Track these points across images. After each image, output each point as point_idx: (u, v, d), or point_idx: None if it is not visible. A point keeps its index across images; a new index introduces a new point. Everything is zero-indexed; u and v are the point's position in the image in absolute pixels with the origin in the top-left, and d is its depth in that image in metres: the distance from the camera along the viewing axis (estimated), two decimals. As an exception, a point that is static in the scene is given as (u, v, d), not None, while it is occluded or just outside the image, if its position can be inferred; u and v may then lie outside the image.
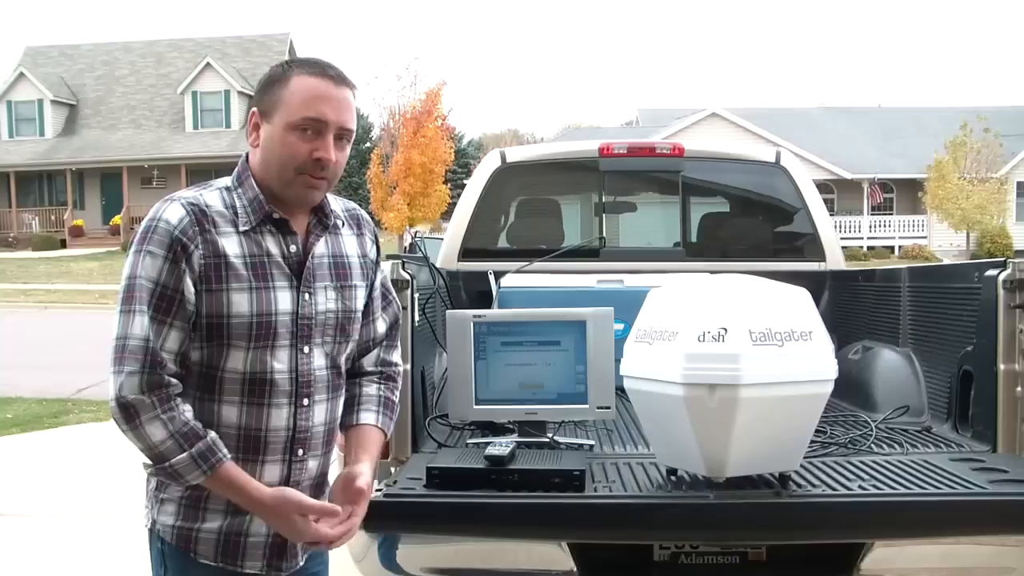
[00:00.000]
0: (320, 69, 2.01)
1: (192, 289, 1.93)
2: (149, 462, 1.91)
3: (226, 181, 2.07)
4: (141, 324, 1.89)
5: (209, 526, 2.01)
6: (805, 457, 2.74)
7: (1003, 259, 3.05)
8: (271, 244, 2.02)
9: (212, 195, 2.02)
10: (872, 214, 38.50)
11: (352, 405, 2.24)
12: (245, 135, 2.11)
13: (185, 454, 1.88)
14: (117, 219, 35.95)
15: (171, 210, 1.95)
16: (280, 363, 2.01)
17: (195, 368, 1.97)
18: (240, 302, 1.96)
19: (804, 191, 4.89)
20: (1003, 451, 2.98)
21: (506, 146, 6.47)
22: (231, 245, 1.98)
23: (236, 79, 38.39)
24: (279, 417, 2.02)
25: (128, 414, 1.87)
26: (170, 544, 2.02)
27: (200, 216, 1.96)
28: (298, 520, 1.95)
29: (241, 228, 2.00)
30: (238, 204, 2.02)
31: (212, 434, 1.93)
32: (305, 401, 2.06)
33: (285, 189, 2.01)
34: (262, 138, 2.02)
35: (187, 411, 1.92)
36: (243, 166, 2.06)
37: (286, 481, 2.04)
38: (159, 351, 1.90)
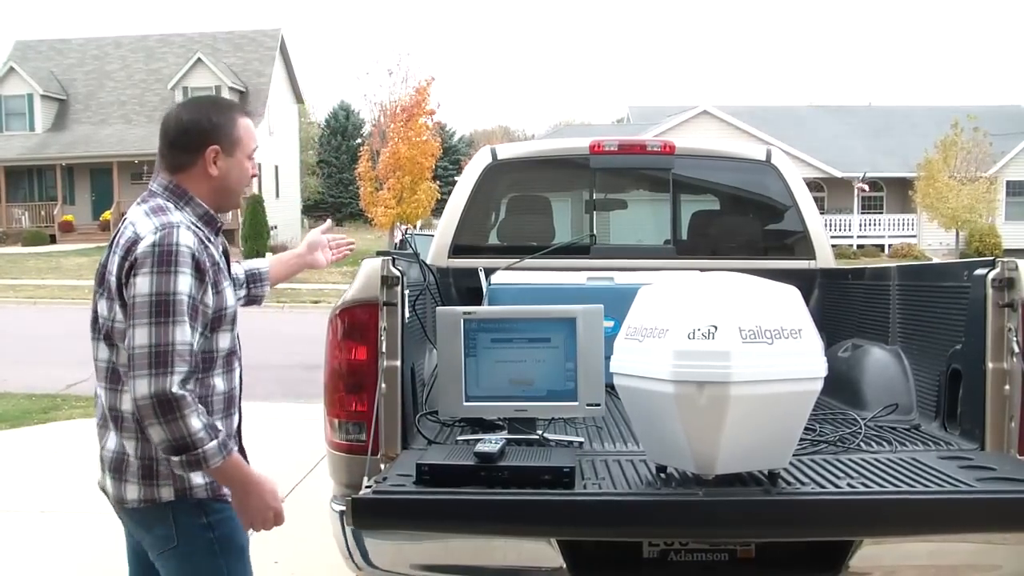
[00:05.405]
0: (243, 110, 2.63)
1: (212, 295, 2.38)
2: (177, 449, 2.23)
3: (167, 204, 2.43)
4: (183, 332, 2.27)
5: None
6: (794, 455, 2.74)
7: (992, 258, 3.07)
8: (218, 248, 2.53)
9: (180, 215, 2.41)
10: (862, 213, 38.63)
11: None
12: (188, 166, 2.49)
13: (214, 442, 2.26)
14: (107, 214, 35.80)
15: (184, 235, 2.33)
16: (236, 338, 2.56)
17: (198, 355, 2.35)
18: (229, 295, 2.50)
19: (794, 189, 4.89)
20: (991, 449, 2.99)
21: (497, 143, 6.46)
22: (215, 252, 2.47)
23: (227, 75, 38.29)
24: (236, 379, 2.57)
25: (170, 407, 2.21)
26: (205, 499, 2.43)
27: (199, 235, 2.40)
28: (272, 504, 2.42)
29: (211, 238, 2.48)
30: (194, 219, 2.45)
31: (222, 429, 2.33)
32: (239, 365, 2.60)
33: (232, 204, 2.59)
34: (222, 169, 2.49)
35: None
36: (180, 191, 2.47)
37: (239, 429, 2.61)
38: (196, 353, 2.32)
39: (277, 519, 2.44)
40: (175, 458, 2.25)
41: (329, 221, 3.24)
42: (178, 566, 2.45)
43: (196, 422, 2.23)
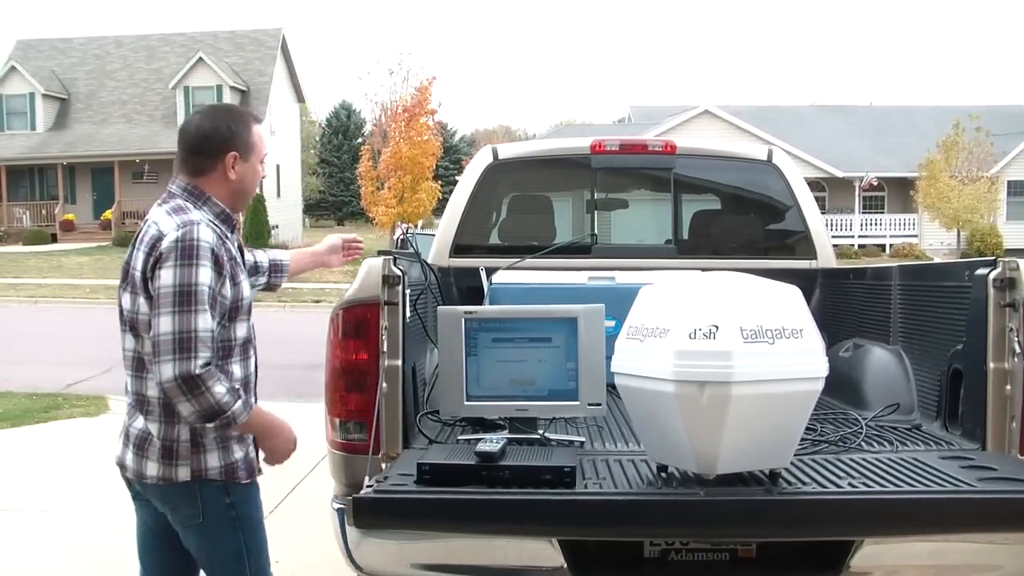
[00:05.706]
0: (256, 118, 2.82)
1: (229, 286, 2.58)
2: (208, 417, 2.48)
3: (187, 204, 2.62)
4: (205, 320, 2.47)
5: (238, 455, 2.68)
6: (795, 454, 2.74)
7: (993, 258, 3.06)
8: (234, 243, 2.71)
9: (199, 213, 2.60)
10: (863, 212, 38.61)
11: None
12: (208, 171, 2.69)
13: (240, 402, 2.52)
14: (108, 214, 35.80)
15: (204, 231, 2.53)
16: (251, 327, 2.76)
17: (217, 342, 2.55)
18: (246, 287, 2.70)
19: (796, 189, 4.89)
20: (992, 449, 2.99)
21: (498, 143, 6.46)
22: (232, 247, 2.65)
23: (228, 74, 38.27)
24: (252, 365, 2.78)
25: (195, 384, 2.43)
26: (222, 480, 2.64)
27: (217, 231, 2.59)
28: (291, 438, 2.74)
29: (227, 234, 2.67)
30: (211, 217, 2.63)
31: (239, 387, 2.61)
32: (254, 353, 2.80)
33: (244, 205, 2.80)
34: (239, 173, 2.70)
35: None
36: (199, 191, 2.67)
37: None
38: (215, 339, 2.52)
39: (294, 451, 2.78)
40: (209, 425, 2.53)
41: (355, 235, 3.51)
42: (201, 539, 2.71)
43: (220, 388, 2.47)
